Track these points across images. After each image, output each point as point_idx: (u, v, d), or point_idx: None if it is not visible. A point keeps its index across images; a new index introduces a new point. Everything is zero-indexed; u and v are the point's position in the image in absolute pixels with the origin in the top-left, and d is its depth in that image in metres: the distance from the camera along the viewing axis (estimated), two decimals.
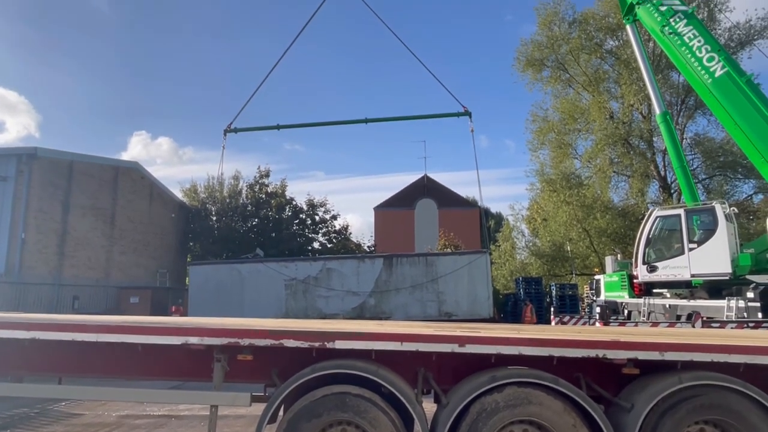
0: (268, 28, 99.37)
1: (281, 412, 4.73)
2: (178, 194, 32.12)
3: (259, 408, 4.72)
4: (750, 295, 11.94)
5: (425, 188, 46.32)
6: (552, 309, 22.78)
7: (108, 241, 24.19)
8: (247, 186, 33.46)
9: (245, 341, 4.56)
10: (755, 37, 27.53)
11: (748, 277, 12.39)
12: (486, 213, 44.33)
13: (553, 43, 31.14)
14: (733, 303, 12.05)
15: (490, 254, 26.47)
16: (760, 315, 11.59)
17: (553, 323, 18.62)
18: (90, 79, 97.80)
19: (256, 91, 21.75)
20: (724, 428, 4.31)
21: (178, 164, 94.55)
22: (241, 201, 32.67)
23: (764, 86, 14.27)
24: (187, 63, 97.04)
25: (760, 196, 28.09)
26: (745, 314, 11.80)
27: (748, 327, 11.23)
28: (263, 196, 32.70)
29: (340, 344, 4.48)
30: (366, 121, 23.06)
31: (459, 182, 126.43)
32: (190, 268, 23.39)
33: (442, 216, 44.06)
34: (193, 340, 4.62)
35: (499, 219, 51.21)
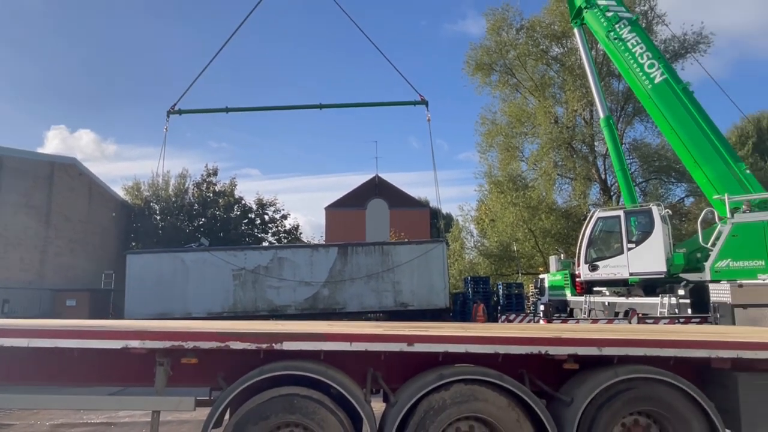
0: (204, 10, 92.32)
1: (227, 416, 4.64)
2: (120, 192, 30.91)
3: (204, 413, 4.60)
4: (681, 292, 12.65)
5: (377, 188, 46.44)
6: (499, 308, 23.33)
7: (42, 241, 22.93)
8: (193, 184, 32.59)
9: (189, 344, 4.43)
10: (688, 50, 29.15)
11: (681, 275, 13.11)
12: (437, 213, 44.91)
13: (501, 48, 31.86)
14: (666, 300, 12.73)
15: (448, 244, 26.68)
16: (690, 311, 12.29)
17: (499, 321, 19.08)
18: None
19: (202, 71, 20.69)
20: (656, 419, 4.55)
21: (102, 160, 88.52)
22: (188, 200, 31.76)
23: (696, 96, 15.14)
24: (108, 47, 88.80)
25: (692, 198, 29.75)
26: (677, 310, 12.50)
27: (679, 322, 11.89)
28: (211, 194, 31.92)
29: (288, 345, 4.44)
30: (321, 106, 22.81)
31: (409, 183, 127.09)
32: (127, 258, 21.98)
33: (393, 216, 44.26)
34: (134, 343, 4.45)
35: (449, 219, 51.95)
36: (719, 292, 11.06)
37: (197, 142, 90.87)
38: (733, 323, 10.25)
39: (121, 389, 5.59)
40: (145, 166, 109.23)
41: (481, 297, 23.48)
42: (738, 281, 11.10)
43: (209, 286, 21.03)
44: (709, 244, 12.65)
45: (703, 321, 11.59)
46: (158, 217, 30.81)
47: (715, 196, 13.39)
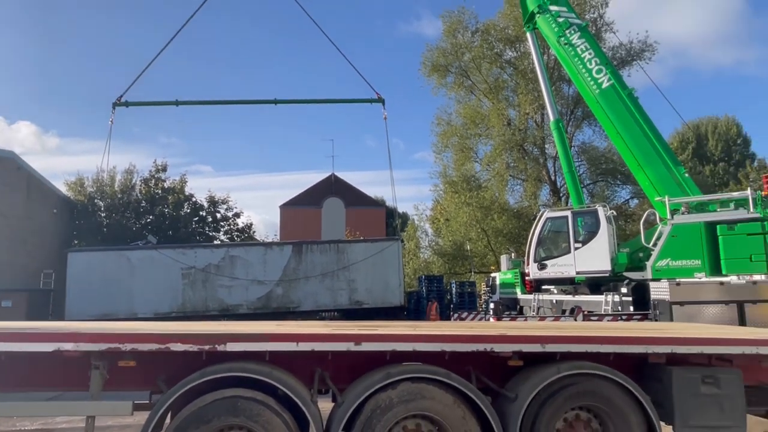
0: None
1: (168, 420, 4.48)
2: (62, 188, 29.52)
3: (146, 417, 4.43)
4: (624, 290, 13.12)
5: (333, 187, 46.19)
6: (452, 306, 23.64)
7: None
8: (141, 181, 31.49)
9: (127, 346, 4.25)
10: (635, 58, 30.38)
11: (624, 274, 13.62)
12: (393, 212, 45.05)
13: (456, 50, 32.27)
14: (609, 297, 13.18)
15: (403, 242, 26.83)
16: (632, 308, 12.78)
17: (452, 319, 19.34)
18: None
19: (150, 63, 19.97)
20: (596, 413, 4.68)
21: (42, 153, 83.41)
22: (135, 196, 30.67)
23: (640, 102, 15.80)
24: (51, 32, 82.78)
25: (636, 200, 31.02)
26: (620, 308, 12.96)
27: (622, 319, 12.34)
28: (159, 191, 30.93)
29: (232, 347, 4.31)
30: (275, 102, 22.50)
31: (366, 182, 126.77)
32: (69, 256, 21.06)
33: (349, 215, 44.15)
34: (67, 346, 4.22)
35: (404, 219, 52.26)
36: (659, 290, 11.51)
37: (146, 136, 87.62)
38: (672, 320, 10.70)
39: (59, 394, 5.34)
40: (89, 161, 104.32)
41: (434, 295, 23.76)
42: (676, 279, 11.61)
43: (157, 285, 20.37)
44: (651, 244, 13.17)
45: (644, 318, 12.05)
46: (103, 215, 29.61)
47: (657, 198, 13.97)
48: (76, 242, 28.51)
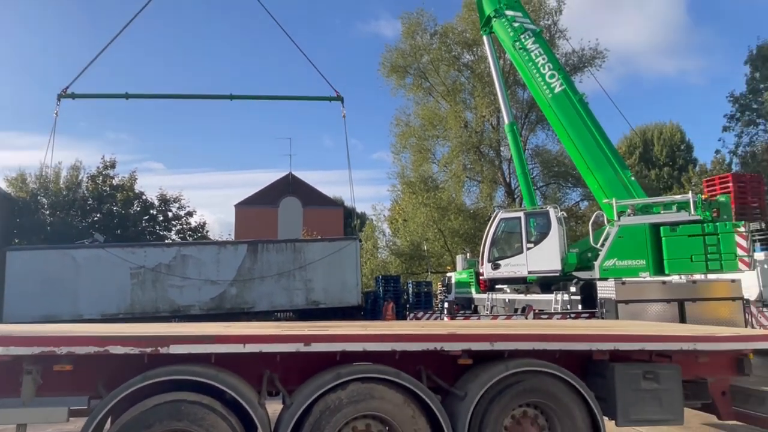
0: None
1: (108, 426, 4.30)
2: (2, 184, 28.06)
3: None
4: (572, 289, 13.48)
5: (290, 186, 45.68)
6: (408, 306, 23.77)
7: None
8: (88, 177, 30.26)
9: (63, 350, 4.04)
10: (586, 65, 31.37)
11: (574, 273, 14.01)
12: (351, 212, 44.90)
13: (415, 52, 32.53)
14: (559, 296, 13.52)
15: (361, 242, 26.77)
16: (580, 307, 13.15)
17: (408, 319, 19.43)
18: None
19: (100, 52, 18.77)
20: (543, 409, 4.78)
21: None
22: (81, 194, 29.45)
23: (590, 107, 16.28)
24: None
25: (586, 202, 32.05)
26: (569, 306, 13.32)
27: (570, 317, 12.67)
28: (107, 188, 29.82)
29: (175, 349, 4.17)
30: (231, 97, 21.93)
31: (324, 181, 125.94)
32: (7, 254, 19.90)
33: (306, 215, 43.77)
34: None
35: (363, 219, 52.21)
36: (605, 289, 11.90)
37: (93, 132, 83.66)
38: (617, 317, 11.08)
39: None
40: (32, 157, 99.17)
41: (391, 295, 23.80)
42: (622, 279, 12.03)
43: (104, 285, 19.60)
44: (599, 244, 13.59)
45: (592, 316, 12.41)
46: (47, 212, 28.30)
47: (605, 200, 14.42)
48: (17, 241, 27.13)
